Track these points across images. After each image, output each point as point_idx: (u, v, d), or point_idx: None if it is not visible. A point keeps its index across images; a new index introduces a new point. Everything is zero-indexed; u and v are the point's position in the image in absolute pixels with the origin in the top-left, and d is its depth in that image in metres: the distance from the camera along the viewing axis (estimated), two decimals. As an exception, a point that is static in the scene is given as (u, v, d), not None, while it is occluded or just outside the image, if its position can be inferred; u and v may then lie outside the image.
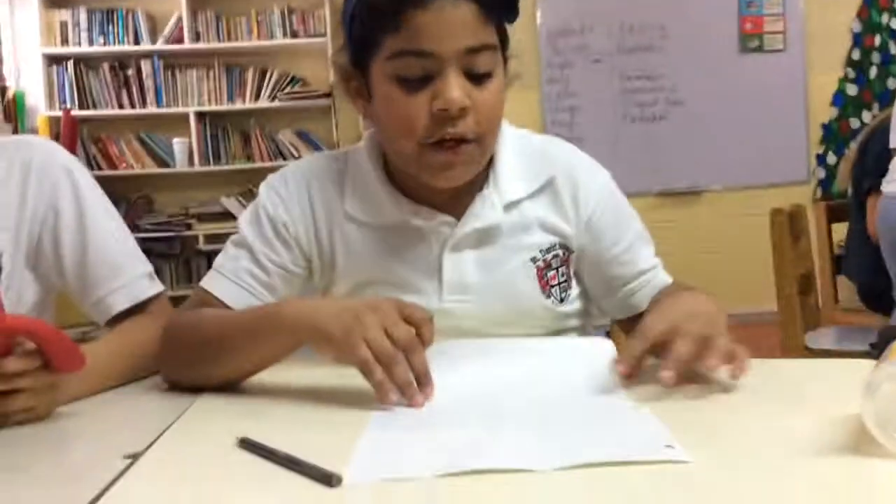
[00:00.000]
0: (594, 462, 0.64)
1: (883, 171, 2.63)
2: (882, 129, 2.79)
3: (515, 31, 1.01)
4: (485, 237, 1.06)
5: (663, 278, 1.12)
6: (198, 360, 0.97)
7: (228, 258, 1.07)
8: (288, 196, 1.08)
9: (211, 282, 1.06)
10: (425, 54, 0.93)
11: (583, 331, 1.16)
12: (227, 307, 1.04)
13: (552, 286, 1.09)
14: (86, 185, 1.16)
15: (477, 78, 0.95)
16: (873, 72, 5.10)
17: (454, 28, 0.92)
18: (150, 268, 1.18)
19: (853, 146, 3.05)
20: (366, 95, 1.02)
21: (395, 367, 0.82)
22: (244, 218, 1.09)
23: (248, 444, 0.73)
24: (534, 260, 1.08)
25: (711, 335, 0.83)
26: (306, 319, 0.87)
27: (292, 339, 0.89)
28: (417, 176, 1.01)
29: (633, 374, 0.84)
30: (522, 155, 1.09)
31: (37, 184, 1.13)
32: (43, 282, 1.16)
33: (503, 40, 0.99)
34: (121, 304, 1.13)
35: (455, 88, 0.93)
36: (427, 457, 0.67)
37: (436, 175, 0.99)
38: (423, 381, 0.83)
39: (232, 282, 1.05)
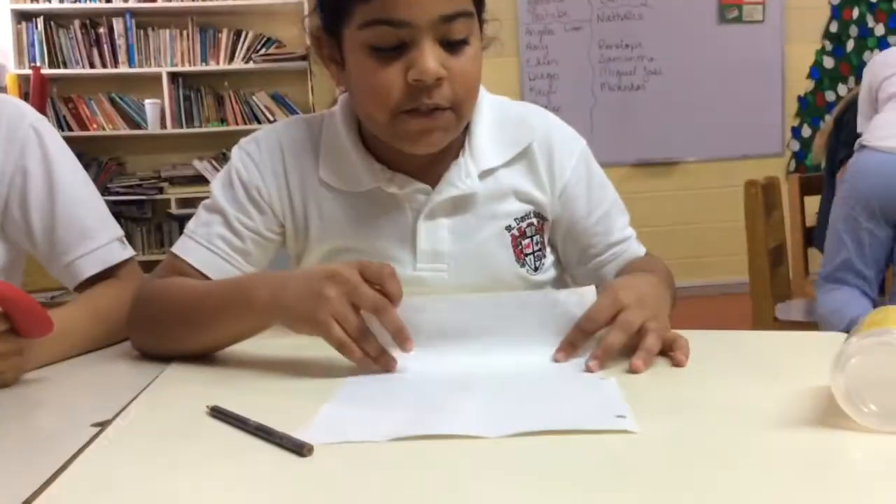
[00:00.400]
0: (543, 430, 0.65)
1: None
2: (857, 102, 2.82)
3: None
4: (460, 205, 1.05)
5: (635, 250, 1.12)
6: (167, 330, 0.96)
7: (201, 223, 1.06)
8: (261, 160, 1.06)
9: (183, 247, 1.05)
10: (399, 23, 0.90)
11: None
12: (201, 273, 1.02)
13: (526, 255, 1.09)
14: (55, 147, 1.13)
15: (452, 45, 0.93)
16: (850, 45, 5.11)
17: None
18: (120, 232, 1.17)
19: (828, 119, 3.08)
20: (339, 61, 0.99)
21: (365, 343, 0.83)
22: (216, 182, 1.07)
23: (218, 413, 0.73)
24: (508, 228, 1.07)
25: (648, 325, 0.85)
26: (274, 301, 0.87)
27: (262, 320, 0.89)
28: (392, 143, 1.00)
29: (569, 358, 0.87)
30: (499, 122, 1.07)
31: (4, 145, 1.10)
32: (11, 246, 1.14)
33: (479, 3, 0.97)
34: (91, 268, 1.11)
35: (430, 59, 0.90)
36: (383, 423, 0.69)
37: (411, 142, 0.97)
38: (399, 337, 0.84)
39: (205, 247, 1.04)
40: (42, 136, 1.12)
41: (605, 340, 0.84)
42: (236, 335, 0.93)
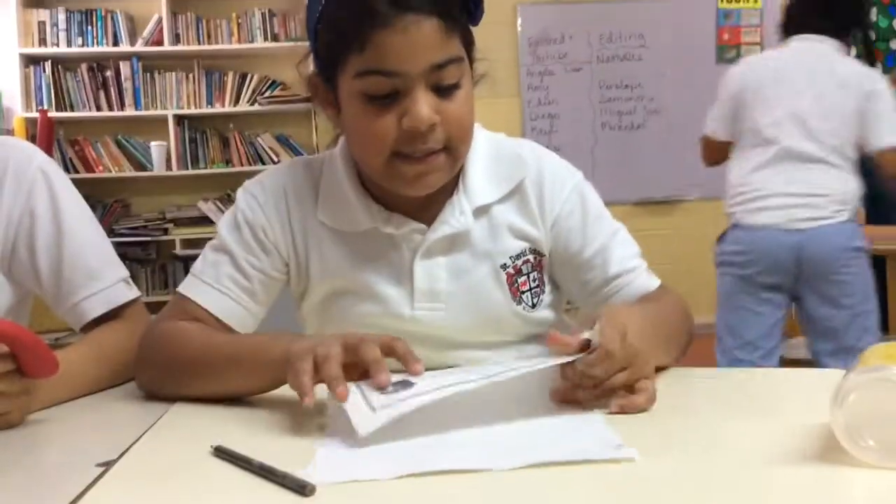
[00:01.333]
0: (550, 461, 0.66)
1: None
2: None
3: (496, 38, 1.01)
4: (455, 243, 1.06)
5: (643, 283, 1.09)
6: (174, 377, 0.96)
7: (208, 264, 1.06)
8: (265, 201, 1.07)
9: (191, 288, 1.05)
10: (392, 73, 0.92)
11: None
12: (209, 314, 1.03)
13: (523, 292, 1.09)
14: (62, 189, 1.15)
15: (444, 90, 0.94)
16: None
17: (419, 46, 0.91)
18: (126, 273, 1.18)
19: None
20: (335, 106, 1.01)
21: (324, 364, 0.80)
22: (223, 223, 1.09)
23: (222, 453, 0.73)
24: (504, 266, 1.08)
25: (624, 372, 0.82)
26: (284, 356, 0.85)
27: (274, 375, 0.88)
28: (388, 187, 1.01)
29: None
30: (493, 159, 1.08)
31: (13, 187, 1.11)
32: (18, 286, 1.15)
33: (469, 44, 0.99)
34: (96, 310, 1.12)
35: (423, 106, 0.92)
36: (386, 460, 0.69)
37: (407, 185, 0.99)
38: (375, 367, 0.81)
39: (214, 288, 1.04)
40: (50, 178, 1.14)
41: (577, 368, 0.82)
42: (249, 386, 0.93)
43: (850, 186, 2.43)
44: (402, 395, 0.76)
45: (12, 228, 1.12)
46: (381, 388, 0.79)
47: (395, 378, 0.80)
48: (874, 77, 2.49)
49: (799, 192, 2.40)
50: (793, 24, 2.58)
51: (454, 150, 0.98)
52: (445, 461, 0.68)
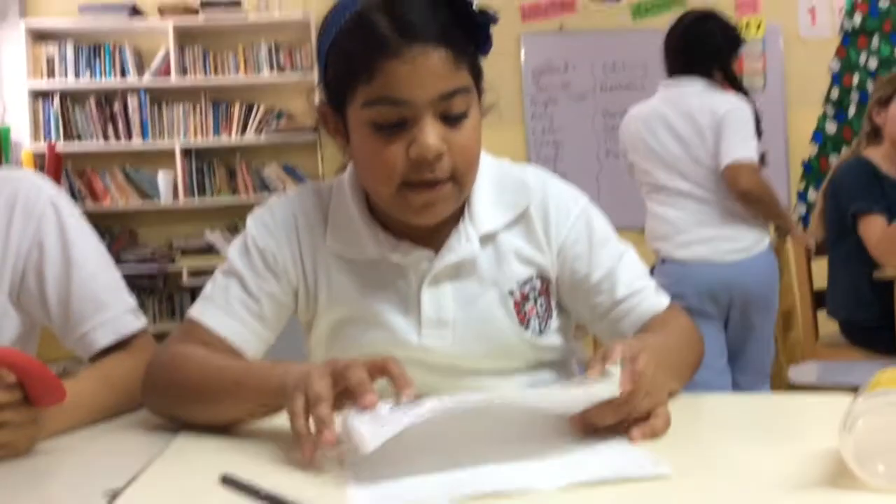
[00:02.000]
0: (592, 480, 0.68)
1: (862, 196, 2.73)
2: (856, 164, 2.88)
3: (500, 68, 1.02)
4: (462, 271, 1.06)
5: (651, 304, 1.09)
6: (179, 401, 0.97)
7: (218, 288, 1.07)
8: (275, 227, 1.08)
9: (201, 311, 1.06)
10: (400, 102, 0.93)
11: (565, 363, 1.16)
12: (218, 337, 1.03)
13: (530, 318, 1.09)
14: (71, 221, 1.16)
15: (452, 120, 0.95)
16: (852, 110, 5.18)
17: (427, 76, 0.92)
18: (133, 303, 1.18)
19: (819, 196, 3.12)
20: (344, 134, 1.02)
21: (315, 407, 0.79)
22: (233, 249, 1.09)
23: (230, 482, 0.73)
24: (511, 293, 1.08)
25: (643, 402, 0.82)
26: (281, 382, 0.85)
27: (272, 402, 0.88)
28: (396, 216, 1.02)
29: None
30: (498, 185, 1.09)
31: (22, 219, 1.12)
32: (26, 316, 1.16)
33: (477, 74, 1.00)
34: (104, 339, 1.13)
35: (430, 136, 0.93)
36: (434, 484, 0.70)
37: (415, 214, 1.00)
38: (400, 383, 0.81)
39: (223, 311, 1.05)
40: (59, 210, 1.15)
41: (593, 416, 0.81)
42: (244, 415, 0.93)
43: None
44: (412, 411, 0.75)
45: (21, 261, 1.13)
46: (368, 409, 0.77)
47: (405, 400, 0.79)
48: (724, 103, 2.67)
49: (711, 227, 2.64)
50: (667, 68, 2.86)
51: (460, 179, 0.98)
52: (487, 484, 0.68)
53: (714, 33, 2.78)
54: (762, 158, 2.76)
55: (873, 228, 2.75)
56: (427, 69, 0.92)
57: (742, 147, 2.59)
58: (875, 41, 5.27)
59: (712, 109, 2.65)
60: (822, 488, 0.65)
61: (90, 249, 1.17)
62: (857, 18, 5.35)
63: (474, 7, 0.96)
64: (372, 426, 0.73)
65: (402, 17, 0.92)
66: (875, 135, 2.96)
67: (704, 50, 2.76)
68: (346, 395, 0.81)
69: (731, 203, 2.61)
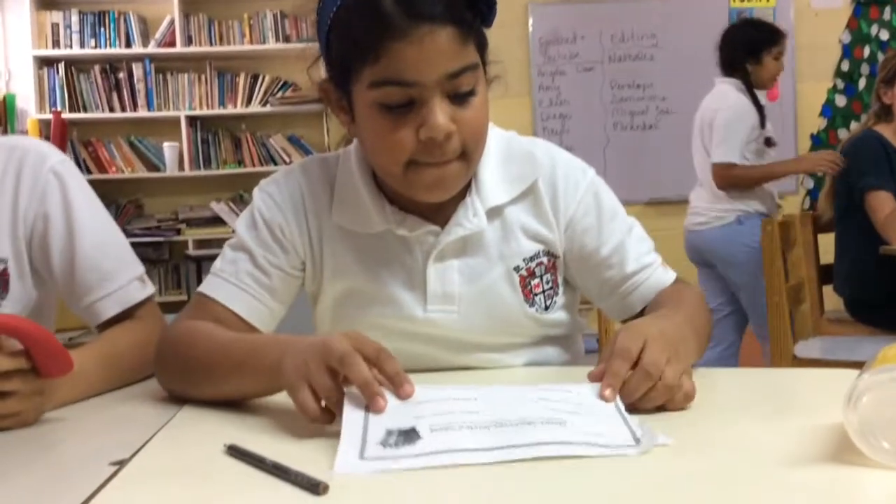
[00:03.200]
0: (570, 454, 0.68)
1: (871, 171, 2.75)
2: (865, 137, 2.89)
3: (507, 38, 1.00)
4: (468, 246, 1.06)
5: (659, 277, 1.09)
6: (188, 378, 0.96)
7: (227, 262, 1.06)
8: (282, 200, 1.07)
9: (211, 286, 1.05)
10: (407, 84, 0.91)
11: (571, 338, 1.16)
12: (230, 311, 1.03)
13: (536, 294, 1.08)
14: (75, 190, 1.15)
15: (460, 97, 0.94)
16: (862, 83, 5.14)
17: (435, 56, 0.90)
18: (140, 270, 1.18)
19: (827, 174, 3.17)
20: (348, 111, 1.01)
21: (327, 396, 0.79)
22: (241, 222, 1.09)
23: (235, 452, 0.73)
24: (517, 269, 1.07)
25: (664, 374, 0.81)
26: (277, 366, 0.84)
27: (270, 382, 0.87)
28: (405, 193, 1.01)
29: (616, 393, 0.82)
30: (506, 159, 1.08)
31: (28, 188, 1.12)
32: (40, 285, 1.16)
33: (482, 47, 0.98)
34: (109, 310, 1.13)
35: (440, 116, 0.92)
36: (417, 454, 0.69)
37: (424, 192, 0.99)
38: (367, 391, 0.77)
39: (233, 285, 1.04)
40: (63, 179, 1.14)
41: (627, 386, 0.81)
42: (250, 393, 0.92)
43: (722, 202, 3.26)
44: (402, 452, 0.69)
45: (28, 230, 1.13)
46: (380, 412, 0.75)
47: (403, 424, 0.73)
48: (718, 100, 3.25)
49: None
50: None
51: (469, 156, 0.97)
52: (469, 455, 0.68)
53: (737, 40, 3.29)
54: (768, 141, 3.27)
55: (881, 205, 2.75)
56: (435, 49, 0.90)
57: (717, 150, 3.16)
58: (887, 12, 5.20)
59: (712, 108, 3.24)
60: (826, 463, 0.65)
61: (95, 219, 1.16)
62: (870, -11, 5.28)
63: None
64: (355, 450, 0.70)
65: None
66: (885, 112, 2.95)
67: (729, 55, 3.30)
68: (345, 381, 0.80)
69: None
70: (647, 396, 0.81)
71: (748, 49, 3.23)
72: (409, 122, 0.93)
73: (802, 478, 0.63)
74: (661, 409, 0.81)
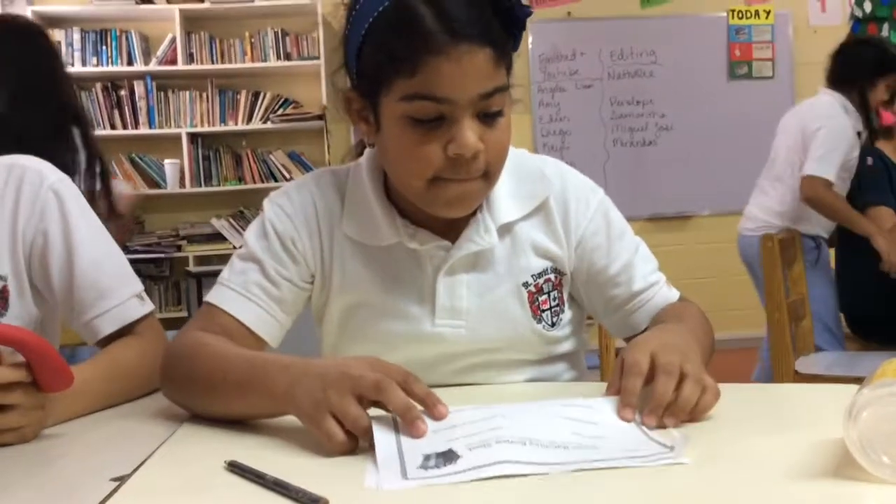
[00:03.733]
0: (606, 466, 0.69)
1: (872, 186, 2.78)
2: (862, 151, 2.93)
3: None
4: (479, 261, 1.06)
5: (664, 296, 1.11)
6: (193, 393, 0.96)
7: (236, 272, 1.06)
8: (294, 212, 1.07)
9: (220, 296, 1.05)
10: (441, 100, 0.92)
11: (575, 355, 1.16)
12: (238, 321, 1.03)
13: (543, 311, 1.09)
14: (74, 208, 1.15)
15: (489, 117, 0.95)
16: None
17: (470, 75, 0.91)
18: (139, 287, 1.18)
19: None
20: (372, 123, 1.00)
21: (353, 426, 0.77)
22: (250, 233, 1.08)
23: (236, 468, 0.73)
24: (525, 285, 1.08)
25: (685, 369, 0.81)
26: (288, 393, 0.83)
27: (278, 407, 0.86)
28: (425, 208, 1.01)
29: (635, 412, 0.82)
30: (517, 176, 1.08)
31: (26, 207, 1.13)
32: (41, 303, 1.16)
33: (509, 69, 0.98)
34: (108, 327, 1.13)
35: (470, 135, 0.93)
36: (462, 470, 0.69)
37: (445, 208, 0.99)
38: (406, 417, 0.77)
39: (242, 296, 1.04)
40: (61, 197, 1.14)
41: (655, 391, 0.80)
42: (253, 414, 0.91)
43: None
44: (447, 471, 0.69)
45: (27, 247, 1.13)
46: (418, 437, 0.76)
47: (439, 448, 0.73)
48: (823, 112, 3.05)
49: None
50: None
51: (492, 175, 0.99)
52: (501, 459, 0.69)
53: (861, 57, 3.11)
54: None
55: (881, 220, 2.76)
56: (473, 69, 0.91)
57: (814, 163, 2.95)
58: (885, 28, 5.23)
59: (815, 119, 3.04)
60: (826, 478, 0.65)
61: (93, 237, 1.16)
62: (867, 6, 5.31)
63: (515, 2, 0.95)
64: (395, 472, 0.70)
65: (447, 12, 0.90)
66: (886, 130, 2.99)
67: (846, 69, 3.10)
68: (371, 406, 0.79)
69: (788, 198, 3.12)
70: (680, 398, 0.80)
71: (870, 68, 3.06)
72: (437, 138, 0.94)
73: (803, 493, 0.63)
74: (690, 418, 0.81)
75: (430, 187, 0.97)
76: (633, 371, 0.82)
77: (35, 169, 1.16)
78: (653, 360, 0.83)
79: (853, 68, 3.07)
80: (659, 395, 0.80)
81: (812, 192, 2.95)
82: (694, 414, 0.81)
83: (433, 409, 0.79)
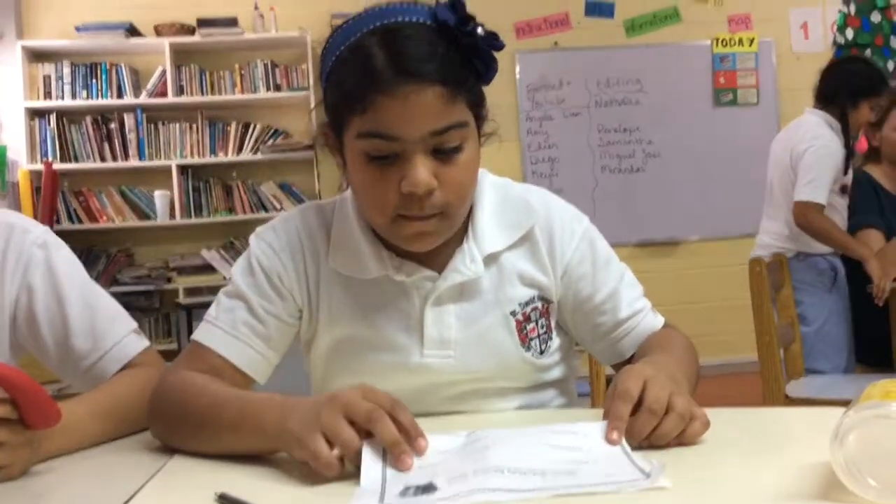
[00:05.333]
0: (589, 491, 0.69)
1: (860, 209, 2.80)
2: (857, 179, 2.96)
3: (495, 85, 0.99)
4: (465, 291, 1.07)
5: (649, 323, 1.11)
6: (181, 431, 0.95)
7: (223, 310, 1.06)
8: (280, 247, 1.08)
9: (207, 335, 1.05)
10: (390, 138, 0.92)
11: (565, 382, 1.16)
12: (225, 360, 1.03)
13: (531, 339, 1.09)
14: (60, 259, 1.15)
15: (445, 153, 0.95)
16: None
17: (419, 114, 0.91)
18: (134, 325, 1.17)
19: None
20: (343, 156, 1.02)
21: (345, 447, 0.78)
22: (237, 269, 1.08)
23: (226, 501, 0.73)
24: (513, 314, 1.08)
25: (673, 401, 0.82)
26: (280, 426, 0.84)
27: (270, 444, 0.86)
28: (391, 242, 1.03)
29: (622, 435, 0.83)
30: (501, 205, 1.09)
31: (12, 264, 1.12)
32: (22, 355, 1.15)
33: (477, 104, 0.99)
34: (112, 368, 1.12)
35: (420, 172, 0.93)
36: (436, 500, 0.69)
37: (406, 243, 1.00)
38: (395, 450, 0.78)
39: (229, 334, 1.04)
40: (47, 250, 1.14)
41: (634, 427, 0.81)
42: (244, 451, 0.90)
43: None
44: (420, 500, 0.71)
45: (11, 308, 1.12)
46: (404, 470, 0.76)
47: (420, 480, 0.74)
48: (809, 133, 3.02)
49: None
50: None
51: (450, 213, 0.98)
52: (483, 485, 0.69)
53: (844, 77, 3.06)
54: (843, 189, 3.04)
55: (871, 243, 2.78)
56: (419, 107, 0.91)
57: (805, 188, 2.95)
58: (867, 55, 5.30)
59: (802, 141, 3.01)
60: (813, 501, 0.65)
61: (81, 284, 1.15)
62: (850, 33, 5.40)
63: (479, 38, 0.94)
64: (374, 497, 0.72)
65: (398, 53, 0.91)
66: (874, 153, 3.02)
67: (831, 88, 3.07)
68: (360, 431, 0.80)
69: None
70: (660, 432, 0.81)
71: (852, 90, 3.02)
72: (392, 175, 0.94)
73: (792, 516, 0.63)
74: (679, 443, 0.82)
75: (391, 224, 0.98)
76: (622, 398, 0.83)
77: (20, 226, 1.15)
78: (643, 391, 0.83)
79: (837, 87, 3.05)
80: (636, 432, 0.81)
81: (803, 219, 2.94)
82: (682, 440, 0.82)
83: (413, 443, 0.80)
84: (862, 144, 3.13)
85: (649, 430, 0.81)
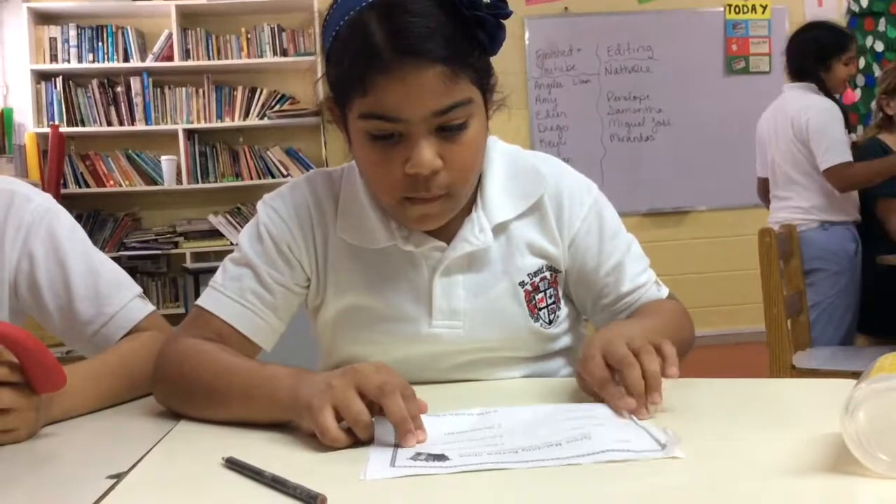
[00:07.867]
0: (601, 459, 0.69)
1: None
2: (868, 144, 2.95)
3: (503, 51, 0.97)
4: (474, 261, 1.06)
5: (652, 296, 1.11)
6: (189, 397, 0.95)
7: (230, 277, 1.05)
8: (288, 215, 1.07)
9: (213, 301, 1.04)
10: (393, 119, 0.91)
11: (572, 351, 1.16)
12: (231, 328, 1.03)
13: (540, 309, 1.09)
14: (61, 226, 1.14)
15: (450, 131, 0.93)
16: (858, 94, 5.15)
17: (419, 94, 0.89)
18: (138, 290, 1.17)
19: None
20: (347, 132, 1.00)
21: (360, 431, 0.78)
22: (244, 237, 1.07)
23: (233, 464, 0.73)
24: (522, 284, 1.07)
25: (633, 345, 0.84)
26: (292, 393, 0.83)
27: (281, 412, 0.86)
28: (397, 221, 1.02)
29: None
30: (511, 174, 1.08)
31: (13, 231, 1.11)
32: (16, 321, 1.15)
33: (483, 77, 0.96)
34: (117, 334, 1.12)
35: (424, 152, 0.91)
36: (446, 467, 0.70)
37: (412, 223, 1.00)
38: (401, 428, 0.77)
39: (236, 302, 1.04)
40: (47, 217, 1.13)
41: (627, 386, 0.82)
42: (255, 419, 0.90)
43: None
44: (432, 465, 0.71)
45: (12, 274, 1.12)
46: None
47: (433, 451, 0.74)
48: (803, 105, 3.04)
49: None
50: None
51: (455, 193, 0.97)
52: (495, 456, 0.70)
53: (805, 47, 3.10)
54: (854, 144, 3.05)
55: (893, 211, 2.80)
56: (421, 87, 0.89)
57: (827, 155, 2.94)
58: (882, 23, 5.23)
59: (801, 113, 3.02)
60: (823, 473, 0.65)
61: (84, 250, 1.15)
62: (864, 0, 5.31)
63: (483, 8, 0.91)
64: (385, 461, 0.72)
65: (398, 30, 0.88)
66: (888, 121, 3.01)
67: (798, 62, 3.12)
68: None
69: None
70: (649, 375, 0.82)
71: (818, 56, 3.08)
72: (396, 156, 0.93)
73: (800, 488, 0.63)
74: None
75: (398, 205, 0.97)
76: (602, 383, 0.84)
77: (22, 194, 1.14)
78: (607, 357, 0.84)
79: (805, 59, 3.10)
80: (633, 387, 0.82)
81: (843, 182, 2.94)
82: (666, 372, 0.83)
83: (406, 438, 0.78)
84: (848, 97, 3.20)
85: (640, 380, 0.81)
